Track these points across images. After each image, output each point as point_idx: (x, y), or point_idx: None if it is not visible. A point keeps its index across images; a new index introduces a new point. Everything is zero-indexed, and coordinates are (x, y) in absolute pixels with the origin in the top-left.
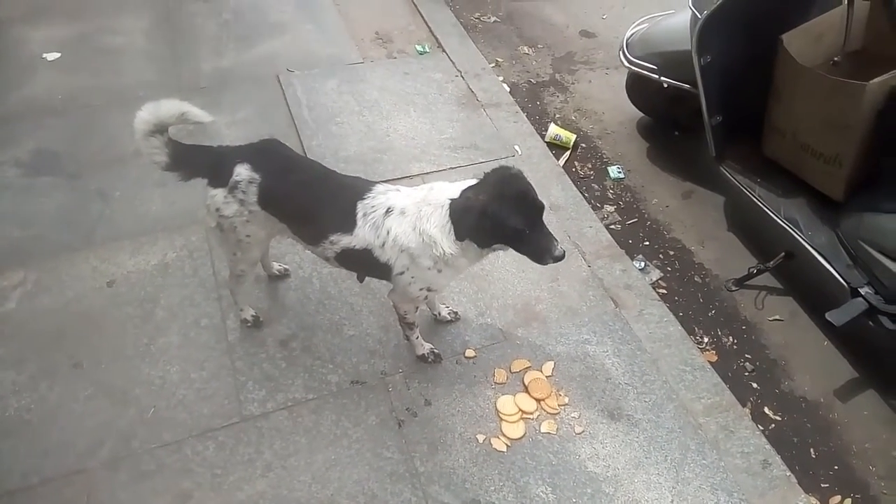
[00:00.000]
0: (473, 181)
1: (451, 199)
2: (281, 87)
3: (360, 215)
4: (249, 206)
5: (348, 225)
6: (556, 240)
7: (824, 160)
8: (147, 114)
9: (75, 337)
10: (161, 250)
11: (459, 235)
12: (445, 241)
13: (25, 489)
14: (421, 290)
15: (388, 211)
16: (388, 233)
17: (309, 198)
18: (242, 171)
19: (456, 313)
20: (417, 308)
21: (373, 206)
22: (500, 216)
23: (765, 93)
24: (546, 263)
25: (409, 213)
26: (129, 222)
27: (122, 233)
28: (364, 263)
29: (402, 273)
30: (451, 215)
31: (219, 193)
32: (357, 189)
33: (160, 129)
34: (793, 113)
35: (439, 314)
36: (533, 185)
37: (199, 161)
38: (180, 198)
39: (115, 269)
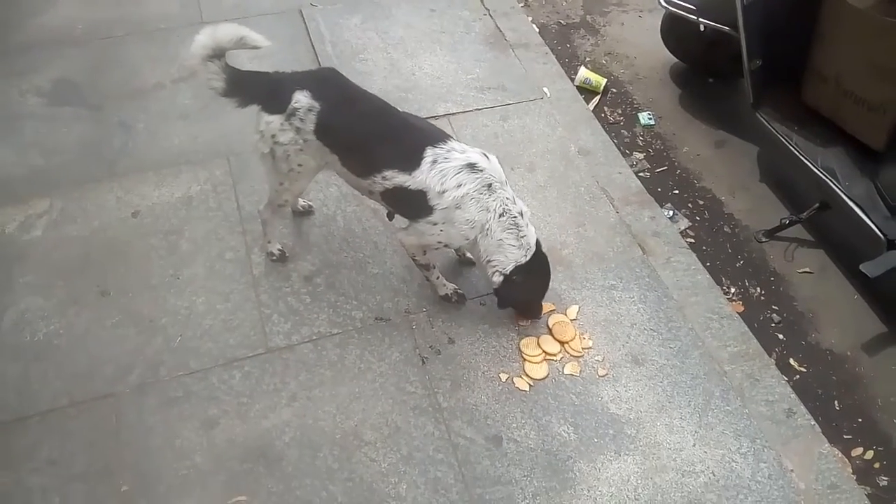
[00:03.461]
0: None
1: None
2: (304, 22)
3: (427, 160)
4: (305, 135)
5: (410, 165)
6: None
7: (868, 107)
8: (205, 37)
9: (101, 266)
10: (185, 183)
11: (505, 303)
12: (493, 248)
13: (56, 410)
14: (439, 242)
15: (472, 168)
16: (458, 186)
17: (368, 130)
18: (302, 99)
19: None
20: (426, 252)
21: (446, 157)
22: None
23: (808, 36)
24: (531, 319)
25: (496, 198)
26: (152, 154)
27: (146, 165)
28: (409, 203)
29: (434, 224)
30: (505, 285)
31: (275, 120)
32: (428, 134)
33: (218, 53)
34: (837, 57)
35: (464, 255)
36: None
37: (256, 87)
38: (203, 131)
39: (139, 200)
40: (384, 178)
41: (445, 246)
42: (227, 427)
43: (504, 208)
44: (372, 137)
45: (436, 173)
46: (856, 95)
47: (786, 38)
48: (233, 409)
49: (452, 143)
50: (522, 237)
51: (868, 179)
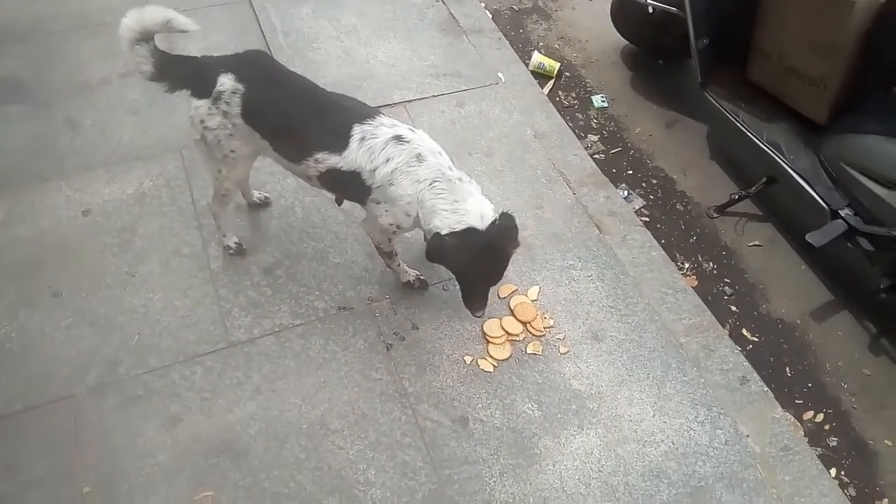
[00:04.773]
0: (489, 212)
1: (452, 231)
2: (254, 12)
3: (356, 138)
4: (233, 119)
5: (339, 145)
6: (486, 306)
7: (809, 82)
8: (132, 21)
9: (53, 266)
10: (137, 179)
11: (429, 255)
12: (421, 213)
13: (9, 416)
14: (391, 224)
15: (398, 140)
16: (386, 161)
17: (295, 112)
18: (226, 81)
19: None
20: (391, 239)
21: (374, 134)
22: (462, 275)
23: (752, 16)
24: (469, 310)
25: (427, 166)
26: (101, 151)
27: (95, 162)
28: (347, 186)
29: (378, 203)
30: (434, 238)
31: (203, 104)
32: (355, 111)
33: (145, 36)
34: (779, 34)
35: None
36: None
37: (184, 71)
38: (153, 126)
39: (89, 198)
40: (317, 161)
41: (399, 228)
42: (190, 423)
43: (436, 175)
44: (299, 119)
45: (364, 151)
46: (798, 71)
47: (731, 18)
48: (196, 404)
49: (382, 119)
50: (456, 202)
51: (811, 152)
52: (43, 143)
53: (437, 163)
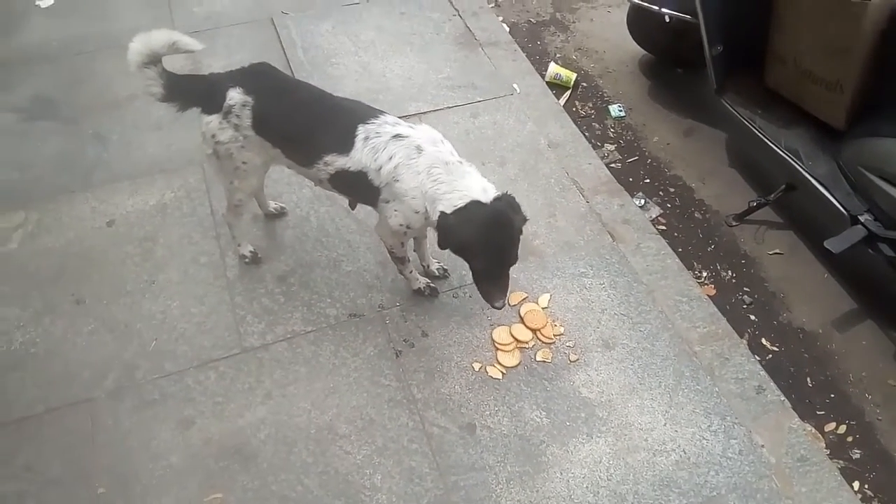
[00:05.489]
0: (491, 187)
1: (454, 209)
2: (275, 30)
3: (360, 138)
4: (244, 131)
5: (345, 146)
6: (506, 296)
7: (826, 86)
8: (139, 44)
9: (77, 275)
10: (159, 191)
11: (440, 241)
12: (427, 205)
13: (31, 417)
14: (401, 225)
15: (398, 137)
16: (389, 158)
17: (303, 118)
18: (235, 95)
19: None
20: (404, 244)
21: (377, 132)
22: (475, 252)
23: (766, 21)
24: (488, 302)
25: (425, 156)
26: (126, 165)
27: (120, 175)
28: (357, 187)
29: (387, 202)
30: (441, 219)
31: (213, 119)
32: (359, 113)
33: (153, 59)
34: (795, 39)
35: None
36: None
37: (193, 90)
38: (177, 140)
39: (113, 209)
40: (326, 164)
41: (409, 228)
42: (202, 427)
43: (433, 161)
44: (307, 124)
45: (369, 150)
46: (814, 75)
47: (745, 23)
48: (208, 409)
49: (385, 118)
50: (455, 181)
51: (830, 158)
52: (71, 157)
53: (436, 150)
